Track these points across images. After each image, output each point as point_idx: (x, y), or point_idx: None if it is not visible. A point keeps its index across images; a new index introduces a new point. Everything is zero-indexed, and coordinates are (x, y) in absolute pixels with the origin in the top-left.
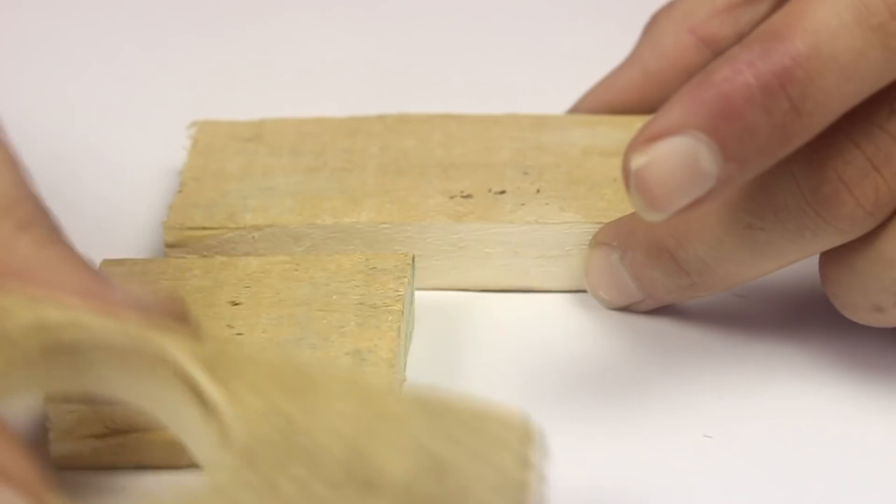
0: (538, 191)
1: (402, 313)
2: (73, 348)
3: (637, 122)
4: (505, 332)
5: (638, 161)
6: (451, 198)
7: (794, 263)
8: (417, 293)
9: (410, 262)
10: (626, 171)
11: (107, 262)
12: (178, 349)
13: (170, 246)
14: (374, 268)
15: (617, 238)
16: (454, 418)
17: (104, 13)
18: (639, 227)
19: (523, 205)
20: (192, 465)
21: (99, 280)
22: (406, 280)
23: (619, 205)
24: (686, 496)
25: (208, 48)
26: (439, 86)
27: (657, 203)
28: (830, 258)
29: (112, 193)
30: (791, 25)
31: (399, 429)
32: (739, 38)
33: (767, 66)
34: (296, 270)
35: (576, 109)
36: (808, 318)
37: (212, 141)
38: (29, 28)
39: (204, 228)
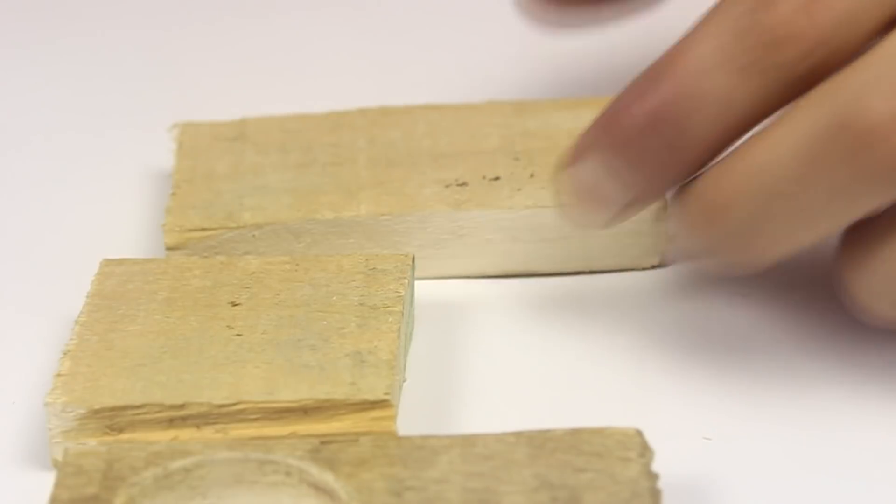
0: (532, 175)
1: (402, 314)
2: (184, 472)
3: None
4: (506, 328)
5: (561, 181)
6: (447, 186)
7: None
8: (418, 284)
9: (410, 262)
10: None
11: (106, 262)
12: (283, 449)
13: (171, 248)
14: (373, 268)
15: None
16: (569, 448)
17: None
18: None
19: (520, 190)
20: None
21: None
22: (406, 281)
23: None
24: (687, 497)
25: (179, 50)
26: (407, 77)
27: (580, 219)
28: (850, 259)
29: (102, 197)
30: (665, 68)
31: (521, 472)
32: None
33: (644, 106)
34: (295, 271)
35: None
36: (808, 318)
37: (196, 142)
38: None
39: (204, 229)
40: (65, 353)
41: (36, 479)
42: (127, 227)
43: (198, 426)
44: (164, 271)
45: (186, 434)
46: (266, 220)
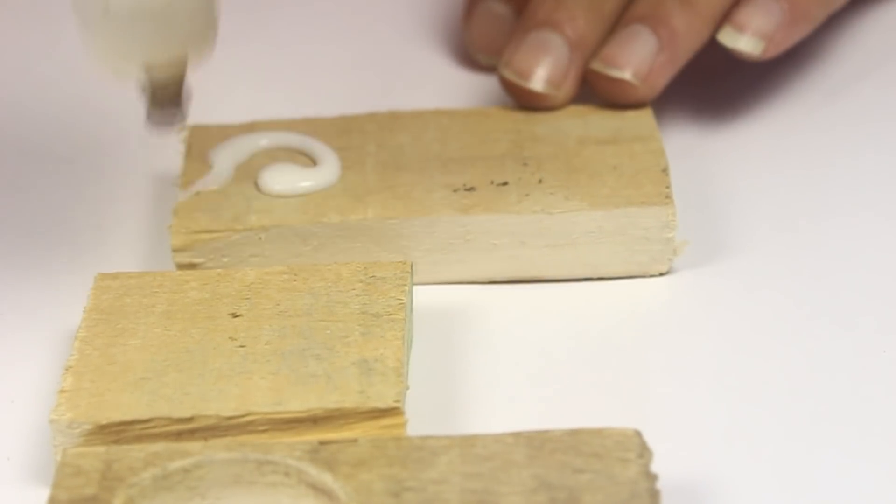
0: (540, 181)
1: (405, 321)
2: (183, 472)
3: (627, 111)
4: (507, 332)
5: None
6: (455, 191)
7: None
8: (422, 289)
9: (409, 269)
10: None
11: (102, 276)
12: (281, 450)
13: (177, 250)
14: (373, 276)
15: None
16: (568, 448)
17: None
18: None
19: (527, 195)
20: None
21: None
22: (406, 288)
23: (622, 191)
24: (686, 497)
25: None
26: (417, 81)
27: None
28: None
29: (109, 199)
30: None
31: (519, 473)
32: None
33: None
34: (294, 280)
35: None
36: (808, 319)
37: (205, 145)
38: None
39: (210, 231)
40: (67, 369)
41: (41, 497)
42: (134, 229)
43: (206, 438)
44: (160, 284)
45: (195, 448)
46: (273, 222)
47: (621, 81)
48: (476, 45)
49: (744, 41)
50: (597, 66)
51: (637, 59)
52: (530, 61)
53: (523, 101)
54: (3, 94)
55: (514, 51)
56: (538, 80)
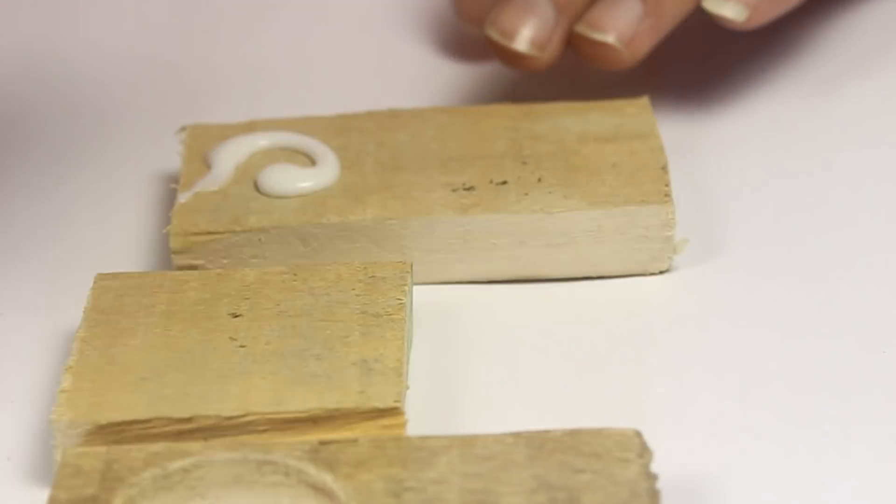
0: (539, 180)
1: (405, 321)
2: (183, 473)
3: (627, 108)
4: (507, 332)
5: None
6: (454, 191)
7: None
8: (422, 289)
9: (409, 269)
10: None
11: (101, 276)
12: (281, 450)
13: (176, 252)
14: (373, 276)
15: None
16: (568, 448)
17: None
18: None
19: (527, 194)
20: None
21: None
22: (406, 288)
23: (621, 189)
24: (687, 497)
25: (187, 53)
26: (416, 80)
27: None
28: None
29: (109, 199)
30: None
31: (519, 473)
32: None
33: None
34: (294, 280)
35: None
36: (808, 319)
37: (204, 145)
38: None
39: (209, 233)
40: (67, 369)
41: (41, 497)
42: (133, 231)
43: (206, 438)
44: (160, 284)
45: (195, 448)
46: (272, 224)
47: (604, 45)
48: (465, 16)
49: (728, 7)
50: (581, 28)
51: (621, 24)
52: (515, 21)
53: (507, 61)
54: (3, 93)
55: (500, 11)
56: (522, 41)
